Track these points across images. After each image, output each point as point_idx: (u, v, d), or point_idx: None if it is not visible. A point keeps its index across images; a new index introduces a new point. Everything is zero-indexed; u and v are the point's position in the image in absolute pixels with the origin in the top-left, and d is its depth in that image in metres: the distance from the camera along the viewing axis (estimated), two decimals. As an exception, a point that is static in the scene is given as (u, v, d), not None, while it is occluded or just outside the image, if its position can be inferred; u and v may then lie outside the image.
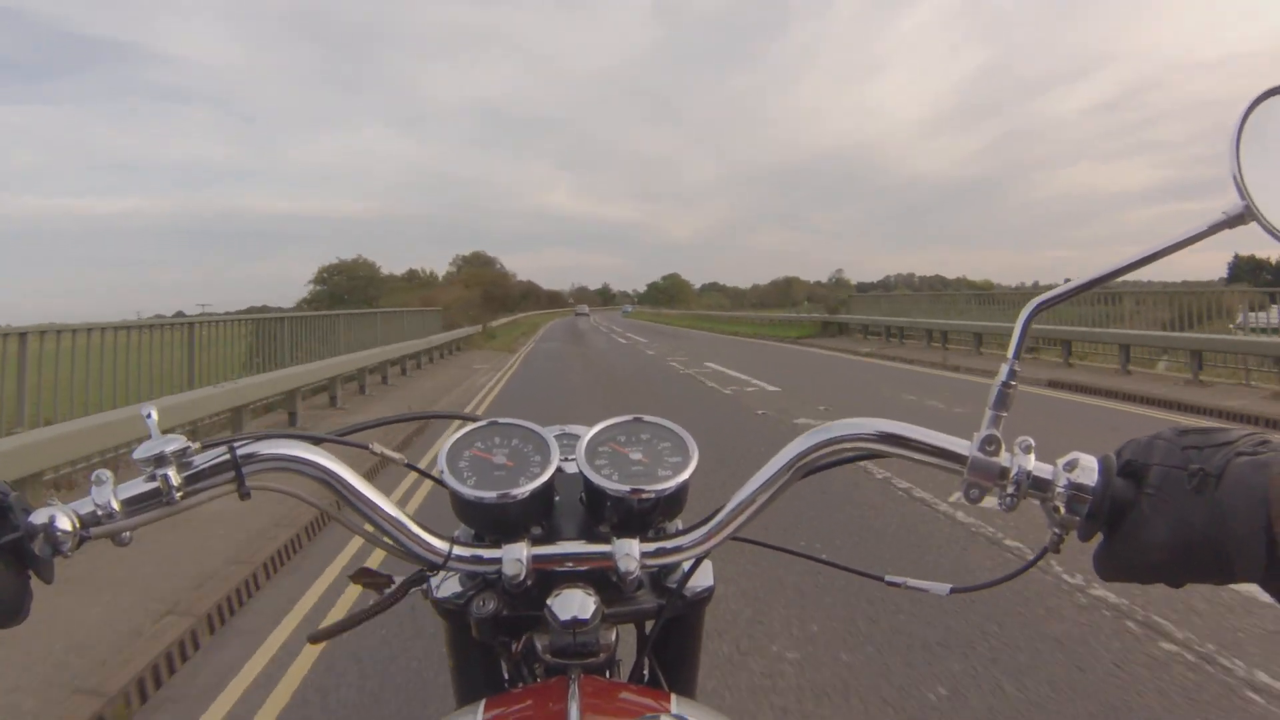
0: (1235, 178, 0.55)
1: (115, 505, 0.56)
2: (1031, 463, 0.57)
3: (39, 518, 0.53)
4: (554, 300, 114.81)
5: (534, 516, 0.68)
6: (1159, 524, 0.52)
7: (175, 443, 0.58)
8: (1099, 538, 0.56)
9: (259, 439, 0.61)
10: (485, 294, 44.47)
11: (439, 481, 0.68)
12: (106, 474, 0.57)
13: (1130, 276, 0.60)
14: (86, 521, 0.55)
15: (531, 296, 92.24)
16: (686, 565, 0.68)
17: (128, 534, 0.58)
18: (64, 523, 0.53)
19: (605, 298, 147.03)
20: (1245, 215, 0.55)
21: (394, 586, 0.69)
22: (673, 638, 0.75)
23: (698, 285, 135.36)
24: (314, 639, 0.72)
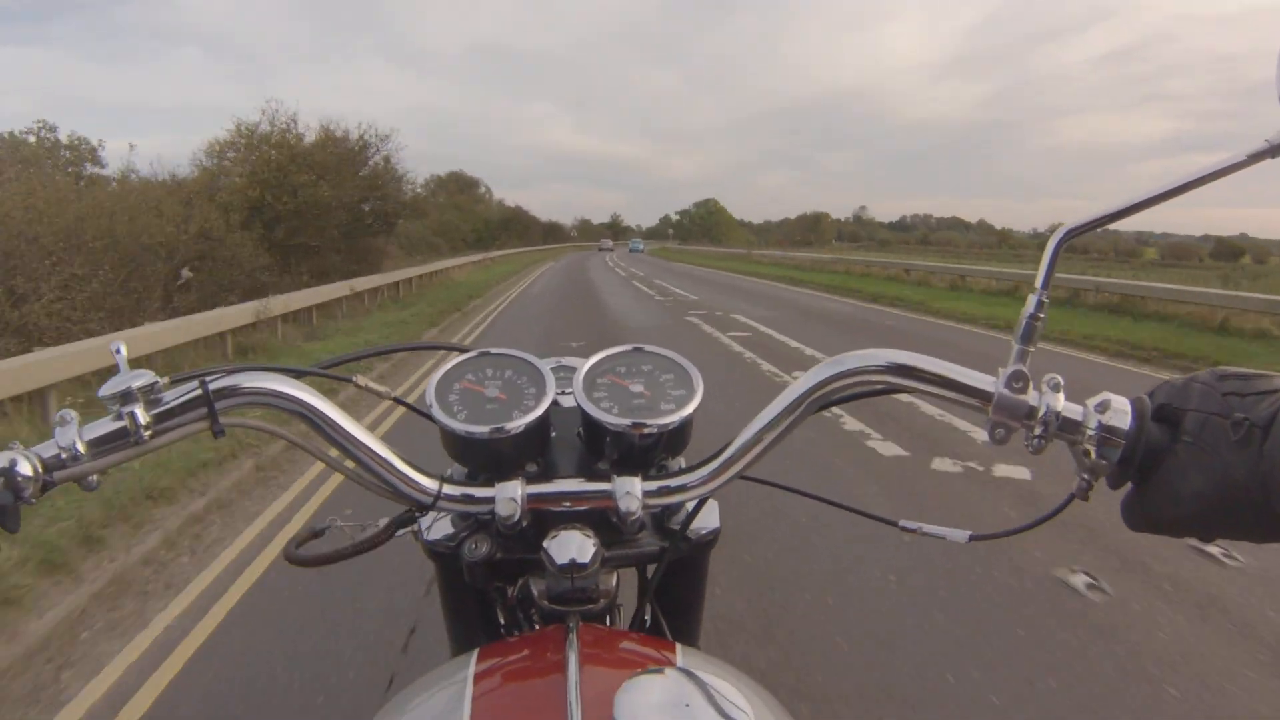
0: None
1: (80, 447, 0.53)
2: (1061, 402, 0.53)
3: None
4: (553, 234, 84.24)
5: (529, 453, 0.65)
6: (1196, 475, 0.48)
7: (143, 378, 0.54)
8: (1129, 485, 0.53)
9: (233, 372, 0.58)
10: (282, 222, 16.12)
11: (427, 416, 0.65)
12: (71, 414, 0.54)
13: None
14: (50, 465, 0.52)
15: (515, 227, 62.61)
16: (690, 506, 0.65)
17: (94, 478, 0.55)
18: (25, 468, 0.51)
19: (616, 231, 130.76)
20: None
21: (379, 528, 0.66)
22: (675, 583, 0.73)
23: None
24: (294, 560, 0.66)
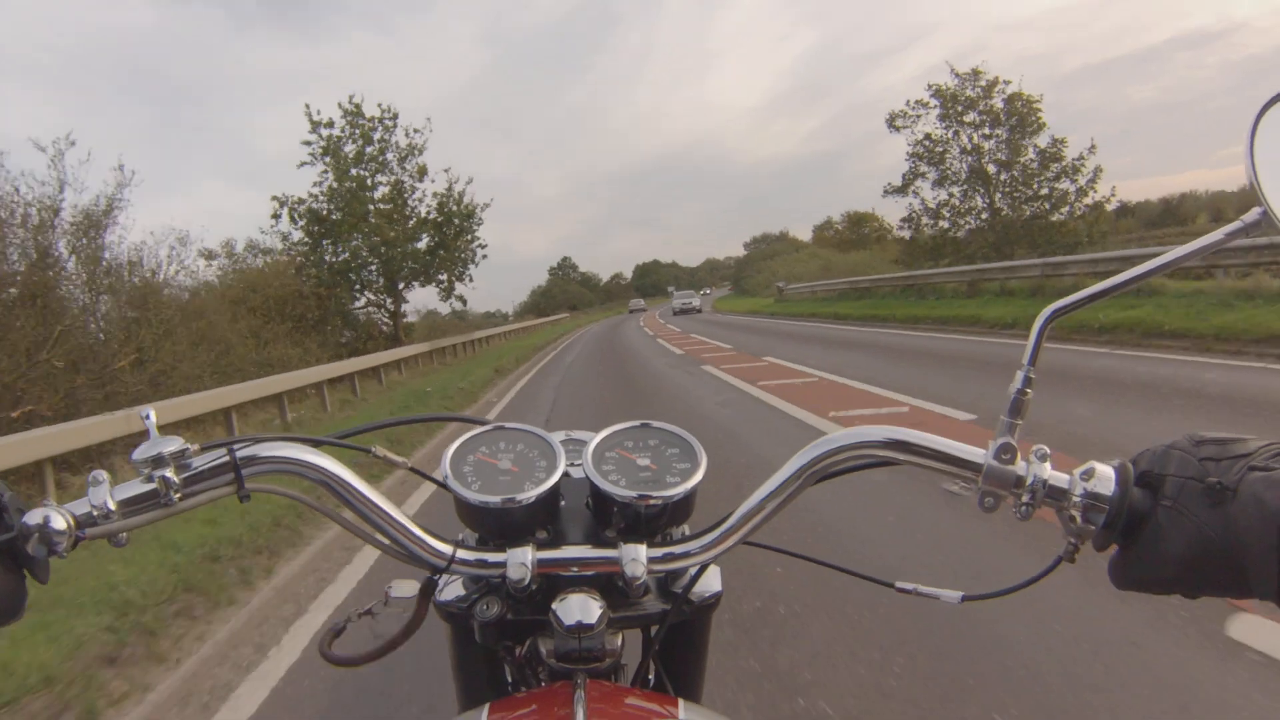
0: (1252, 184, 0.55)
1: (112, 506, 0.55)
2: (1048, 471, 0.56)
3: (34, 518, 0.52)
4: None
5: (539, 521, 0.67)
6: (1175, 537, 0.51)
7: (173, 444, 0.57)
8: (1114, 547, 0.55)
9: (258, 441, 0.60)
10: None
11: (443, 485, 0.67)
12: (103, 475, 0.56)
13: None
14: (82, 522, 0.54)
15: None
16: (693, 571, 0.67)
17: (124, 535, 0.57)
18: (59, 523, 0.52)
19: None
20: (1263, 222, 0.55)
21: (415, 606, 0.67)
22: (679, 643, 0.74)
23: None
24: (334, 661, 0.67)
